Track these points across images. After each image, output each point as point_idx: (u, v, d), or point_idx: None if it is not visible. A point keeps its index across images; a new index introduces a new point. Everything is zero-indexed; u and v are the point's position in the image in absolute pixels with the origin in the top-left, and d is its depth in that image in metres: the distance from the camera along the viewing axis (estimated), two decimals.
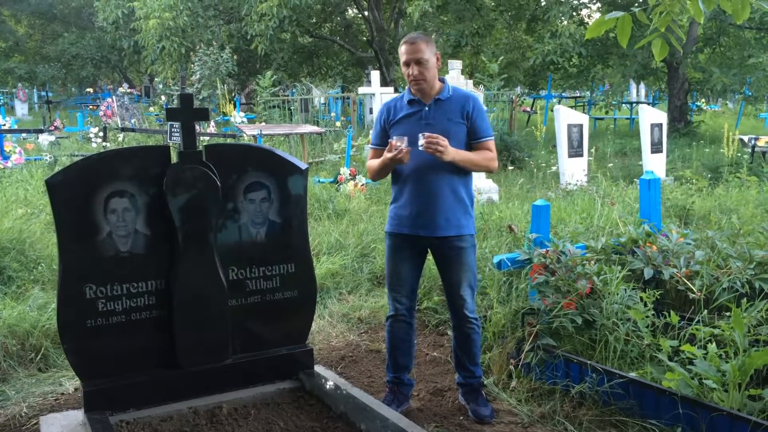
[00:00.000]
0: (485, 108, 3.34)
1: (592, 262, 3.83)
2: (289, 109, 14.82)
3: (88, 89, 28.65)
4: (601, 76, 18.43)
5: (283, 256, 3.25)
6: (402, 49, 3.11)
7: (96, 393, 2.85)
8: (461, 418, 3.29)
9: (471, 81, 8.95)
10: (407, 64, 3.10)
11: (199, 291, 3.01)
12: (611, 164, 10.57)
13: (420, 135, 3.01)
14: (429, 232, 3.17)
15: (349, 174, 8.51)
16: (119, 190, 2.88)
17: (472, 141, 3.18)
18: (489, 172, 3.36)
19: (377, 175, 3.27)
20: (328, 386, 3.13)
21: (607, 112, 19.74)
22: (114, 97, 16.70)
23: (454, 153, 3.04)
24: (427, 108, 3.15)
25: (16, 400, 3.47)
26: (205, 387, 3.07)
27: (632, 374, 3.18)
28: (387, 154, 3.10)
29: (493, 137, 3.24)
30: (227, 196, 3.08)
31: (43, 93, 27.54)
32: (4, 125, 11.61)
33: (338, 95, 20.01)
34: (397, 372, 3.38)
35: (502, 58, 17.41)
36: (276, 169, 3.23)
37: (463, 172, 3.17)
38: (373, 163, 3.28)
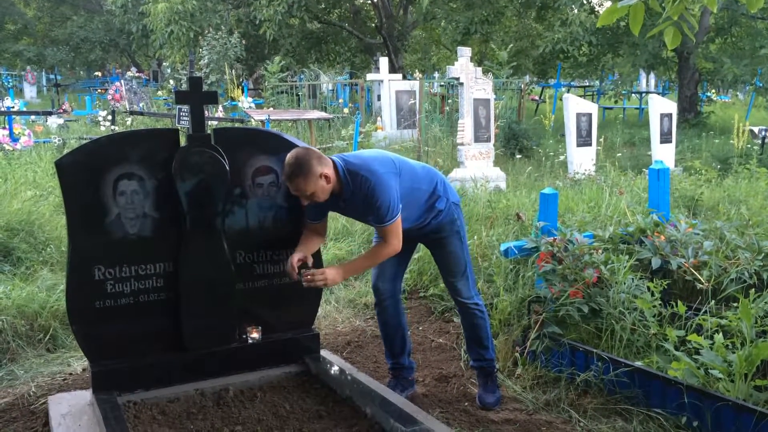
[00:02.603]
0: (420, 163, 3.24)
1: (600, 251, 3.82)
2: (297, 95, 14.78)
3: (96, 73, 28.63)
4: (611, 65, 18.28)
5: (290, 241, 3.25)
6: (287, 183, 2.92)
7: (104, 374, 2.88)
8: (466, 404, 3.30)
9: (480, 68, 8.89)
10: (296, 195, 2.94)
11: (206, 274, 3.02)
12: (620, 154, 10.51)
13: (299, 276, 2.96)
14: (410, 233, 3.14)
15: None
16: (128, 172, 2.89)
17: (375, 225, 3.02)
18: (390, 255, 3.05)
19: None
20: (333, 371, 3.14)
21: (616, 102, 19.60)
22: (122, 81, 16.69)
23: (339, 274, 2.98)
24: (341, 203, 3.02)
25: (24, 379, 3.50)
26: (212, 370, 3.09)
27: (638, 363, 3.18)
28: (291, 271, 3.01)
29: (392, 221, 2.94)
30: (235, 179, 3.08)
31: (52, 76, 27.57)
32: (13, 107, 11.63)
33: (346, 81, 19.94)
34: (394, 357, 3.40)
35: (511, 45, 17.28)
36: (284, 153, 3.21)
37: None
38: (305, 234, 3.16)
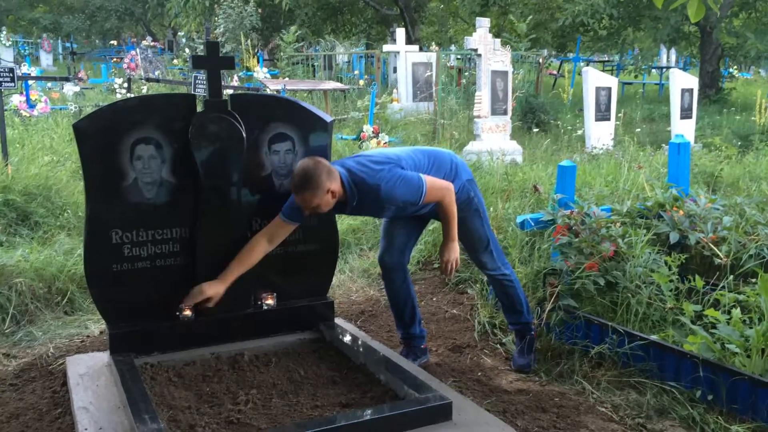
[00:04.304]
0: (429, 149, 3.22)
1: (617, 224, 3.78)
2: (313, 65, 14.68)
3: (111, 42, 28.59)
4: (631, 39, 17.96)
5: None
6: (293, 195, 2.89)
7: (121, 336, 2.91)
8: (479, 374, 3.31)
9: (498, 40, 8.77)
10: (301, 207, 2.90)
11: (222, 240, 3.03)
12: (639, 129, 10.37)
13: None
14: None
15: (372, 131, 8.45)
16: (145, 137, 2.89)
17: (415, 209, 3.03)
18: (453, 198, 3.03)
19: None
20: (347, 338, 3.16)
21: (636, 77, 19.31)
22: (138, 49, 16.65)
23: (454, 246, 3.07)
24: (348, 211, 3.03)
25: (43, 340, 3.55)
26: (227, 335, 3.12)
27: (653, 336, 3.17)
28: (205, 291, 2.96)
29: (424, 191, 2.90)
30: (251, 146, 3.07)
31: (68, 44, 27.56)
32: (29, 75, 11.65)
33: (363, 52, 19.76)
34: (405, 328, 3.40)
35: (530, 18, 16.99)
36: (301, 120, 3.20)
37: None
38: (253, 241, 3.03)
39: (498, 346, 3.62)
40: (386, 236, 3.28)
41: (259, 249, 3.01)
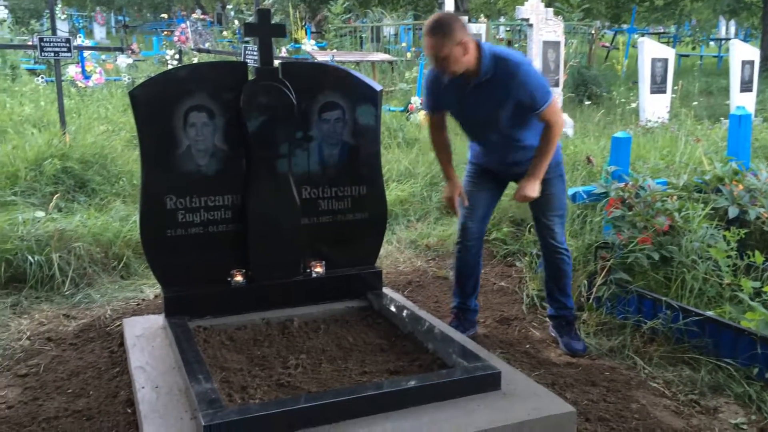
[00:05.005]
0: (535, 71, 3.02)
1: (674, 198, 3.68)
2: (360, 37, 14.60)
3: (162, 15, 28.94)
4: (689, 10, 17.29)
5: (355, 178, 3.25)
6: (423, 40, 2.88)
7: (175, 299, 2.98)
8: (527, 346, 3.29)
9: (551, 10, 8.54)
10: (428, 56, 2.86)
11: (272, 207, 3.06)
12: (696, 103, 10.03)
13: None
14: (508, 171, 3.19)
15: (420, 103, 8.39)
16: (198, 104, 2.93)
17: (532, 114, 2.94)
18: (560, 134, 3.04)
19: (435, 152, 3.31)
20: (395, 307, 3.17)
21: (693, 49, 18.64)
22: (188, 22, 16.81)
23: (538, 180, 2.99)
24: (469, 90, 2.93)
25: (100, 303, 3.67)
26: (277, 301, 3.16)
27: (709, 312, 3.08)
28: (445, 194, 3.23)
29: (549, 100, 2.89)
30: (302, 114, 3.07)
31: (120, 17, 28.03)
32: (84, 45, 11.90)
33: (411, 23, 19.55)
34: (463, 298, 3.38)
35: None
36: (351, 89, 3.19)
37: (519, 125, 2.99)
38: (433, 140, 3.24)
39: (547, 319, 3.58)
40: (470, 202, 3.21)
41: (446, 139, 3.21)
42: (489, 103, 2.92)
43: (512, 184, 3.26)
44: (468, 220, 3.24)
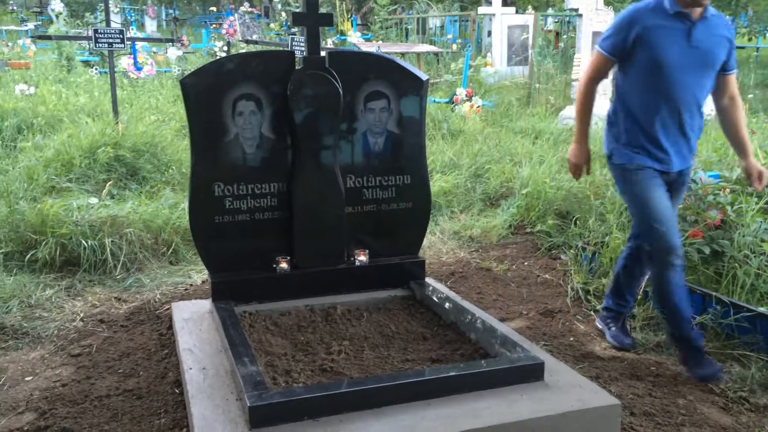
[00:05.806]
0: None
1: (726, 191, 3.58)
2: (405, 29, 14.58)
3: (211, 8, 29.42)
4: (746, 1, 16.72)
5: (399, 167, 3.26)
6: None
7: (222, 284, 3.04)
8: (571, 339, 3.25)
9: (601, 0, 8.37)
10: None
11: (317, 196, 3.09)
12: (751, 95, 9.71)
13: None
14: (668, 167, 2.85)
15: (465, 95, 8.34)
16: (246, 93, 2.97)
17: (723, 72, 2.78)
18: None
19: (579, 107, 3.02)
20: (438, 297, 3.17)
21: (750, 40, 18.03)
22: (236, 15, 17.04)
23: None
24: (695, 27, 2.67)
25: (150, 287, 3.77)
26: (321, 288, 3.19)
27: (762, 309, 3.00)
28: (572, 160, 3.04)
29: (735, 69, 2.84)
30: (348, 103, 3.09)
31: (171, 11, 28.58)
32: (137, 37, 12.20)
33: (457, 14, 19.41)
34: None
35: None
36: (396, 79, 3.20)
37: (707, 92, 2.82)
38: (586, 92, 2.94)
39: (592, 312, 3.53)
40: (663, 212, 2.74)
41: (595, 97, 2.98)
42: (712, 42, 2.68)
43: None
44: (674, 237, 2.74)
